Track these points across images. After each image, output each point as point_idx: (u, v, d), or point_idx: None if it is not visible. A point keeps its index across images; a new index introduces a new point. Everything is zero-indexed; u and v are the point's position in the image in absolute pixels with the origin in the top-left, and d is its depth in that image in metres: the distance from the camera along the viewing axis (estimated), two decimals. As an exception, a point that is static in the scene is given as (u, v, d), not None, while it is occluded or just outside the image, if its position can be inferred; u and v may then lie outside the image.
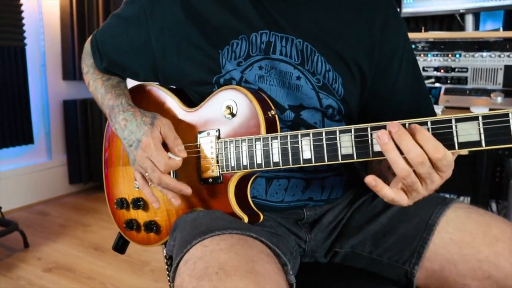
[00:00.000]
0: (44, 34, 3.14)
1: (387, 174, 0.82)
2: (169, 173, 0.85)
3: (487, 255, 0.76)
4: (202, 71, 0.86)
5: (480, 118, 0.59)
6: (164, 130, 0.84)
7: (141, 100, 0.95)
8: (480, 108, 1.64)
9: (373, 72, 0.87)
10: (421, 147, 0.61)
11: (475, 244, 0.77)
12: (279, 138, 0.74)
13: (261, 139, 0.76)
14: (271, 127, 0.79)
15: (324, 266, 0.96)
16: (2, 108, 2.81)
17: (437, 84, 1.92)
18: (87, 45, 1.04)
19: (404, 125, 0.64)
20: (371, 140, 0.66)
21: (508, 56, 1.77)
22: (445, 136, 0.61)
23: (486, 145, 0.59)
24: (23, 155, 3.08)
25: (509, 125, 0.57)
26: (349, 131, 0.68)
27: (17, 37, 2.87)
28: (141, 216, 0.97)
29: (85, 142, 3.32)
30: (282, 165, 0.74)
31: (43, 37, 3.14)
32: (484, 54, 1.81)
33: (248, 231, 0.72)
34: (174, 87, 0.97)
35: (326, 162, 0.70)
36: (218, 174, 0.82)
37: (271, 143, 0.75)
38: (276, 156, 0.75)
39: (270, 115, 0.79)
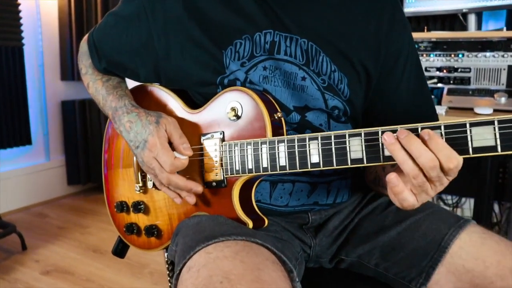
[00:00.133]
0: (42, 34, 3.12)
1: (381, 175, 0.80)
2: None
3: None
4: (206, 72, 0.84)
5: (496, 122, 0.57)
6: (170, 128, 0.82)
7: (143, 101, 0.93)
8: (484, 109, 1.62)
9: (378, 73, 0.85)
10: (434, 155, 0.59)
11: (488, 274, 0.74)
12: (286, 141, 0.72)
13: (267, 142, 0.74)
14: (277, 130, 0.77)
15: (329, 271, 0.94)
16: (0, 109, 2.78)
17: (439, 85, 1.90)
18: (83, 44, 1.01)
19: (416, 129, 0.62)
20: (382, 144, 0.64)
21: (512, 56, 1.76)
22: (459, 141, 0.60)
23: (502, 150, 0.57)
24: (20, 156, 3.05)
25: (527, 129, 0.55)
26: (359, 134, 0.66)
27: (15, 37, 2.84)
28: (141, 220, 0.94)
29: (84, 143, 3.30)
30: (289, 169, 0.72)
31: (41, 37, 3.11)
32: (488, 54, 1.79)
33: (253, 237, 0.70)
34: (176, 88, 0.95)
35: (335, 167, 0.68)
36: (222, 178, 0.80)
37: (278, 147, 0.73)
38: (282, 160, 0.73)
39: (276, 117, 0.77)
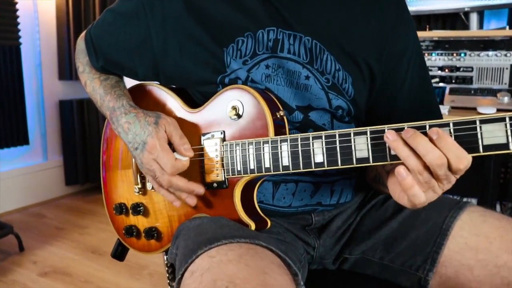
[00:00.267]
0: (39, 33, 3.10)
1: (382, 173, 0.79)
2: None
3: (506, 261, 0.73)
4: (206, 70, 0.82)
5: (507, 119, 0.56)
6: (169, 129, 0.80)
7: (141, 101, 0.91)
8: (487, 108, 1.61)
9: (382, 71, 0.84)
10: (442, 153, 0.58)
11: (493, 249, 0.74)
12: (288, 140, 0.70)
13: (270, 141, 0.72)
14: (279, 129, 0.75)
15: (333, 273, 0.93)
16: (-3, 109, 2.77)
17: (441, 84, 1.88)
18: (81, 42, 0.99)
19: (424, 126, 0.60)
20: (389, 142, 0.62)
21: (514, 55, 1.74)
22: (468, 139, 0.58)
23: (514, 148, 0.55)
24: (18, 156, 3.03)
25: (540, 127, 0.54)
26: (365, 133, 0.64)
27: (12, 36, 2.82)
28: (141, 222, 0.92)
29: (82, 143, 3.28)
30: (292, 169, 0.70)
31: (38, 36, 3.09)
32: (490, 53, 1.78)
33: (256, 239, 0.69)
34: (175, 86, 0.92)
35: (340, 166, 0.66)
36: (223, 179, 0.78)
37: (280, 146, 0.71)
38: (285, 160, 0.71)
39: (278, 116, 0.75)
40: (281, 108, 0.78)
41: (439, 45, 1.88)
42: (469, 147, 0.58)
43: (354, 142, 0.65)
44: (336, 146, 0.66)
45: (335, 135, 0.66)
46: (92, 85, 0.94)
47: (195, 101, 0.87)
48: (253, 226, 0.76)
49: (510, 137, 0.55)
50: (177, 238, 0.80)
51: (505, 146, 0.56)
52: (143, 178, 0.91)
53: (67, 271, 2.17)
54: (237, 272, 0.60)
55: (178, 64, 0.84)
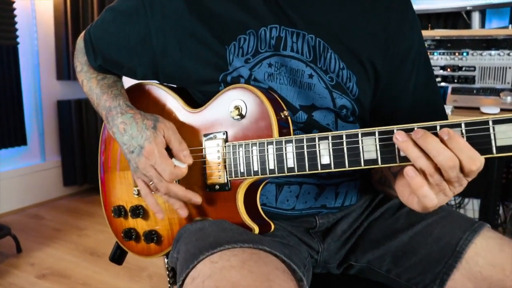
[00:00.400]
0: (37, 33, 3.07)
1: (387, 174, 0.77)
2: None
3: None
4: (208, 69, 0.80)
5: (522, 119, 0.53)
6: (168, 134, 0.78)
7: (140, 101, 0.89)
8: (491, 108, 1.59)
9: (386, 70, 0.82)
10: (454, 154, 0.56)
11: (508, 284, 0.71)
12: (294, 141, 0.68)
13: (274, 142, 0.70)
14: (283, 130, 0.73)
15: (337, 277, 0.91)
16: (-6, 109, 2.75)
17: (443, 83, 1.87)
18: (80, 41, 0.97)
19: (434, 127, 0.58)
20: (398, 143, 0.60)
21: (517, 54, 1.72)
22: (481, 140, 0.56)
23: (529, 149, 0.53)
24: (15, 157, 3.01)
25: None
26: (373, 133, 0.62)
27: (10, 35, 2.80)
28: (140, 225, 0.90)
29: (80, 143, 3.26)
30: (298, 171, 0.68)
31: (36, 35, 3.07)
32: (492, 52, 1.76)
33: (260, 244, 0.66)
34: (176, 86, 0.90)
35: (347, 168, 0.64)
36: (226, 181, 0.76)
37: (285, 147, 0.69)
38: (290, 161, 0.68)
39: (282, 116, 0.73)
40: (285, 108, 0.75)
41: (441, 44, 1.86)
42: (481, 148, 0.56)
43: (362, 143, 0.62)
44: (343, 147, 0.64)
45: (342, 135, 0.64)
46: (89, 84, 0.92)
47: (196, 101, 0.85)
48: (256, 229, 0.74)
49: (525, 138, 0.54)
50: (178, 241, 0.78)
51: (520, 147, 0.54)
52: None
53: (65, 273, 2.15)
54: (240, 279, 0.57)
55: (178, 63, 0.82)
